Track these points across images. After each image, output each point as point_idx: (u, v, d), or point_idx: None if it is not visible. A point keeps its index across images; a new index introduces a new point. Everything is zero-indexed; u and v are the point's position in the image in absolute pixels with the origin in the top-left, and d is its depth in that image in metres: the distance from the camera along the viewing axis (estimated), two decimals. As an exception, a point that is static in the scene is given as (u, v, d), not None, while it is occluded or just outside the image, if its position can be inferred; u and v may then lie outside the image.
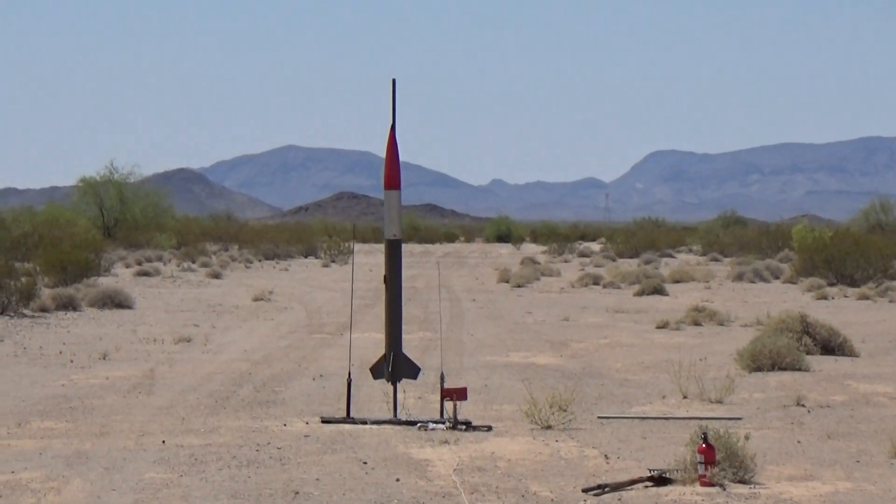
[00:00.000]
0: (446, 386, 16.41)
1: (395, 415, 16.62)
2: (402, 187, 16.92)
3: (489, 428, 16.05)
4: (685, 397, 18.68)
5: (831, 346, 24.34)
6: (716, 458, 12.69)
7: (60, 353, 25.04)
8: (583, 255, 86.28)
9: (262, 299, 40.55)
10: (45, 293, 36.38)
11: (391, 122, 16.67)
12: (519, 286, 49.43)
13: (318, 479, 13.06)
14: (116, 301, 36.91)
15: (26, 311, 33.75)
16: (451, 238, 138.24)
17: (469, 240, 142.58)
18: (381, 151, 17.04)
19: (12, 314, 33.04)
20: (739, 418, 16.67)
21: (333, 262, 73.89)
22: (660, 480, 12.72)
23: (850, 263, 48.48)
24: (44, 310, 34.55)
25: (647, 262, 68.88)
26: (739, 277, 53.70)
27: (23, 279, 35.27)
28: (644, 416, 17.24)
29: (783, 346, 22.26)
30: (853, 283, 46.33)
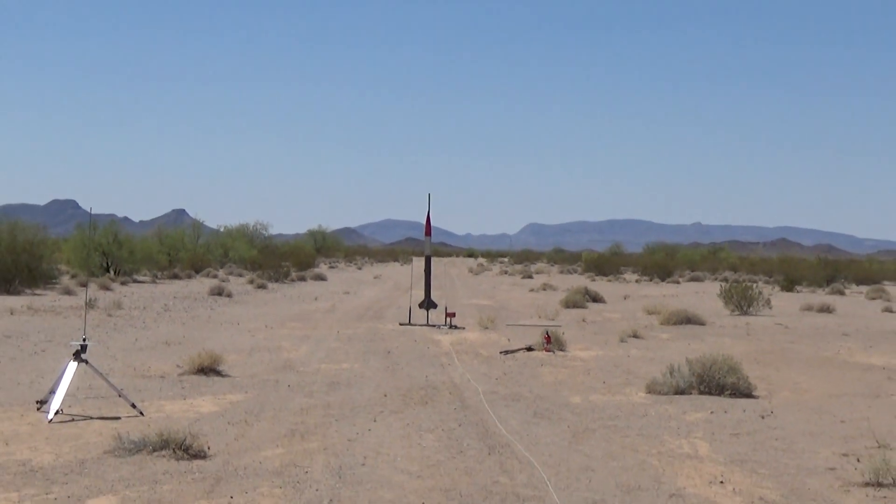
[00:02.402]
0: (448, 311, 16.57)
1: (428, 322, 16.63)
2: (431, 235, 17.11)
3: (464, 328, 16.10)
4: (539, 317, 18.79)
5: (596, 299, 24.42)
6: (551, 340, 12.82)
7: (298, 296, 25.15)
8: (501, 262, 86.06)
9: (377, 278, 40.55)
10: (293, 275, 36.49)
11: (427, 211, 16.76)
12: (476, 274, 49.34)
13: (397, 346, 13.20)
14: (321, 278, 36.93)
15: (285, 282, 33.85)
16: (450, 256, 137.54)
17: (458, 257, 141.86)
18: (423, 220, 17.17)
19: (281, 283, 33.17)
20: (560, 326, 16.80)
21: (405, 264, 73.71)
22: (529, 349, 12.87)
23: (589, 268, 47.81)
24: (292, 280, 34.62)
25: (526, 267, 68.62)
26: (562, 272, 53.60)
27: (285, 269, 35.41)
28: (524, 324, 17.37)
29: (578, 298, 22.38)
30: (573, 273, 45.92)
